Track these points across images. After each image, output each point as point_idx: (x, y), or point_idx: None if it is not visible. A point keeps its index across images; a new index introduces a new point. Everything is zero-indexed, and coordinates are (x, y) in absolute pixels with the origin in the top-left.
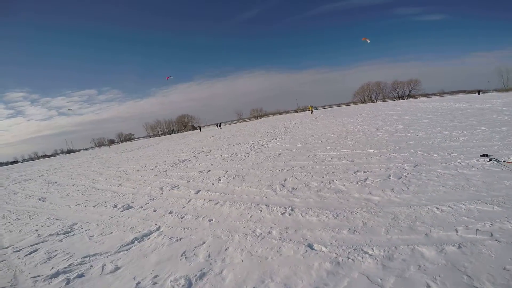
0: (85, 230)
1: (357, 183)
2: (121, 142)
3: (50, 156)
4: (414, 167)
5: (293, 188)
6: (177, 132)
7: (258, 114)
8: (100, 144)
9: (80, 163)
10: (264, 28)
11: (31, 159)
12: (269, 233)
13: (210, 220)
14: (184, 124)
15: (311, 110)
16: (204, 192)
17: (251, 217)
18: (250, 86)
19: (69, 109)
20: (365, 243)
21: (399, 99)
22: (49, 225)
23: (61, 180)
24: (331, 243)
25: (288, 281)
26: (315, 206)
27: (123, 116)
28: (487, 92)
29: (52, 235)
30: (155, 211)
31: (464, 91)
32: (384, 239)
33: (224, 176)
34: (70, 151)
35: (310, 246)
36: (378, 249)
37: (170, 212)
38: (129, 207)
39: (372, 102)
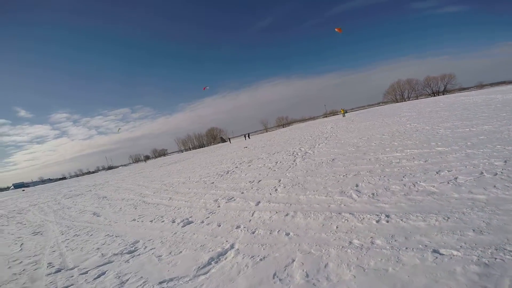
0: (151, 249)
1: (448, 183)
2: (156, 157)
3: (93, 172)
4: (505, 162)
5: (373, 194)
6: (207, 146)
7: (284, 122)
8: (136, 160)
9: (123, 178)
10: (280, 35)
11: (77, 175)
12: (372, 243)
13: (287, 234)
14: (213, 137)
15: (343, 113)
16: (265, 203)
17: (337, 227)
18: (272, 95)
19: (119, 129)
20: (504, 242)
21: (435, 95)
22: (110, 243)
23: (109, 195)
24: (461, 246)
25: None
26: (412, 210)
27: (155, 132)
28: None
29: (117, 254)
30: (219, 226)
31: (504, 82)
32: None
33: (280, 186)
34: (110, 167)
35: (436, 251)
36: None
37: (238, 227)
38: (189, 222)
39: (405, 100)
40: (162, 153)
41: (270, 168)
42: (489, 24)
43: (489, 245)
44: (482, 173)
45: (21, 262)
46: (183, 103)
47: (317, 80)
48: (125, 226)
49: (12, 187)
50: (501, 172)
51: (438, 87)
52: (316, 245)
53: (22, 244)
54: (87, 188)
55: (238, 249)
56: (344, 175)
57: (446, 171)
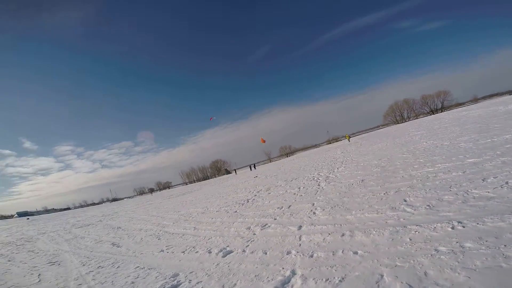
0: (197, 283)
1: (501, 187)
2: (161, 189)
3: (98, 204)
4: None
5: (428, 206)
6: (212, 178)
7: (288, 151)
8: (141, 192)
9: (133, 209)
10: (277, 63)
11: (82, 206)
12: (462, 246)
13: (355, 253)
14: (217, 169)
15: (348, 138)
16: (309, 226)
17: (411, 239)
18: (272, 125)
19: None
20: None
21: (434, 113)
22: (145, 276)
23: (124, 225)
24: None
25: None
26: (482, 214)
27: (158, 166)
28: None
29: None
30: (265, 253)
31: (497, 94)
32: None
33: (316, 209)
34: (115, 199)
35: None
36: None
37: (288, 253)
38: (228, 252)
39: (405, 120)
40: (166, 186)
41: (294, 194)
42: (473, 32)
43: None
44: None
45: None
46: (184, 136)
47: (314, 107)
48: (154, 257)
49: (16, 215)
50: None
51: (436, 105)
52: (399, 258)
53: (40, 274)
54: (95, 218)
55: (302, 274)
56: (384, 193)
57: (492, 178)
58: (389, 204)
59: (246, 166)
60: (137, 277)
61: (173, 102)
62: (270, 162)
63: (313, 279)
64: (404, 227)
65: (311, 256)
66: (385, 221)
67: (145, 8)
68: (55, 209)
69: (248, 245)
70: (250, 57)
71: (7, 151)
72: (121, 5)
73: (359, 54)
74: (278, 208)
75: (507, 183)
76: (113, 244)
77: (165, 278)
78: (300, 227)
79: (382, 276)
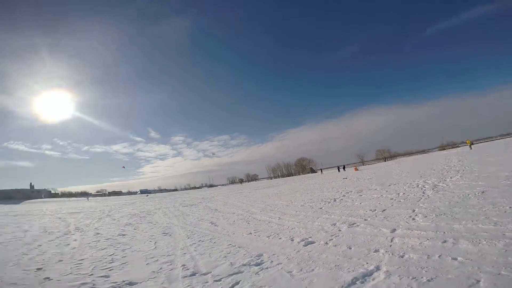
0: (278, 264)
1: None
2: (249, 181)
3: (198, 188)
4: None
5: None
6: (295, 175)
7: (386, 156)
8: (232, 181)
9: (227, 195)
10: (376, 59)
11: (186, 189)
12: None
13: (455, 259)
14: (302, 167)
15: (470, 144)
16: (404, 230)
17: None
18: (368, 125)
19: (213, 154)
20: None
21: None
22: (235, 253)
23: (220, 208)
24: None
25: None
26: None
27: (248, 159)
28: None
29: (245, 265)
30: (350, 248)
31: None
32: None
33: (417, 215)
34: (211, 185)
35: None
36: None
37: (376, 251)
38: (310, 242)
39: None
40: (253, 178)
41: (392, 199)
42: None
43: None
44: None
45: (157, 260)
46: (272, 133)
47: (425, 107)
48: (244, 238)
49: (139, 192)
50: None
51: None
52: (505, 268)
53: (156, 242)
54: (197, 200)
55: (387, 270)
56: (511, 207)
57: None
58: None
59: (333, 167)
60: (229, 253)
61: (266, 102)
62: (363, 165)
63: (398, 275)
64: None
65: (402, 256)
66: (503, 233)
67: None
68: (166, 189)
69: (331, 239)
70: (341, 52)
71: (139, 138)
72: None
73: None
74: (370, 210)
75: None
76: (211, 223)
77: (251, 256)
78: (394, 230)
79: (478, 281)
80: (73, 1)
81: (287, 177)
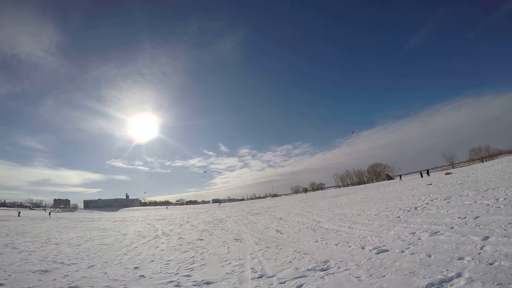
0: (345, 269)
1: None
2: (314, 190)
3: (262, 197)
4: None
5: None
6: (368, 183)
7: (483, 155)
8: (296, 191)
9: (291, 205)
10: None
11: (251, 198)
12: None
13: None
14: (376, 173)
15: None
16: (500, 238)
17: None
18: (455, 120)
19: (285, 160)
20: None
21: None
22: (300, 259)
23: (285, 217)
24: None
25: None
26: None
27: (313, 168)
28: None
29: (310, 270)
30: (429, 256)
31: None
32: None
33: None
34: (275, 195)
35: None
36: None
37: (461, 258)
38: (383, 250)
39: None
40: (319, 187)
41: (488, 205)
42: None
43: None
44: None
45: (230, 263)
46: (339, 139)
47: None
48: (310, 245)
49: (211, 201)
50: None
51: None
52: None
53: (229, 247)
54: (262, 209)
55: (469, 277)
56: None
57: None
58: None
59: (415, 172)
60: (294, 258)
61: (330, 104)
62: (453, 168)
63: (482, 282)
64: None
65: (490, 264)
66: None
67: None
68: (235, 199)
69: (408, 247)
70: (408, 42)
71: (211, 153)
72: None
73: None
74: (458, 218)
75: None
76: (277, 231)
77: (317, 262)
78: (486, 237)
79: None
80: (144, 31)
81: (358, 185)
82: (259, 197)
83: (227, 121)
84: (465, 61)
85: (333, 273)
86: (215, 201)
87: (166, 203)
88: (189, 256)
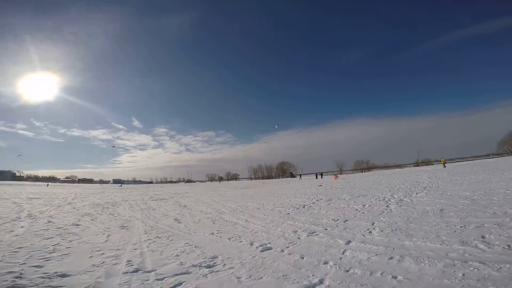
0: (230, 268)
1: None
2: (228, 180)
3: (175, 182)
4: None
5: (508, 246)
6: (276, 178)
7: (364, 167)
8: (212, 179)
9: (201, 192)
10: (366, 69)
11: (161, 182)
12: None
13: (395, 277)
14: (283, 170)
15: (444, 163)
16: (358, 243)
17: (464, 275)
18: (351, 136)
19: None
20: None
21: None
22: (189, 252)
23: (189, 205)
24: None
25: None
26: None
27: (231, 158)
28: None
29: (195, 266)
30: (302, 258)
31: None
32: None
33: (374, 228)
34: (189, 181)
35: None
36: None
37: (326, 263)
38: (268, 248)
39: None
40: (234, 177)
41: (357, 210)
42: None
43: None
44: None
45: (103, 253)
46: (259, 134)
47: (407, 121)
48: (204, 238)
49: (112, 181)
50: None
51: None
52: None
53: (109, 235)
54: (169, 194)
55: (329, 285)
56: (461, 226)
57: None
58: (461, 238)
59: (313, 173)
60: (183, 252)
61: (255, 103)
62: (341, 174)
63: None
64: (465, 262)
65: (347, 271)
66: (446, 253)
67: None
68: (141, 181)
69: (288, 247)
70: (335, 63)
71: (120, 126)
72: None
73: (468, 63)
74: (333, 220)
75: None
76: (175, 219)
77: (205, 258)
78: (349, 242)
79: None
80: None
81: (267, 179)
82: (171, 182)
83: (148, 93)
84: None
85: (217, 271)
86: (116, 181)
87: (50, 179)
88: (52, 243)
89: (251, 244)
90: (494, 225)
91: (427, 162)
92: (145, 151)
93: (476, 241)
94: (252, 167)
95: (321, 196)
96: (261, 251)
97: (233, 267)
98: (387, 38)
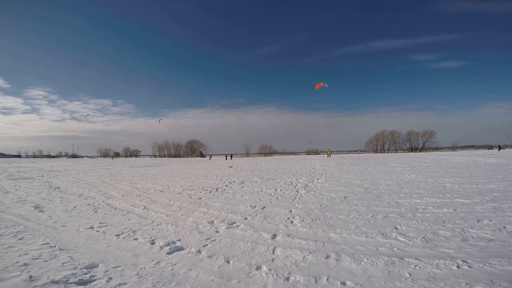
0: (119, 285)
1: (500, 231)
2: (127, 156)
3: (54, 157)
4: None
5: (424, 238)
6: (184, 157)
7: (267, 151)
8: (105, 154)
9: (87, 170)
10: (280, 64)
11: (35, 156)
12: None
13: (343, 283)
14: (192, 149)
15: (329, 153)
16: (285, 237)
17: (410, 275)
18: (260, 122)
19: (87, 115)
20: None
21: (413, 151)
22: (49, 259)
23: (65, 186)
24: None
25: None
26: (486, 256)
27: (132, 131)
28: (504, 148)
29: (57, 283)
30: (228, 262)
31: (474, 147)
32: None
33: (294, 218)
34: (74, 156)
35: None
36: None
37: (258, 268)
38: (178, 248)
39: (384, 152)
40: (134, 154)
41: (271, 195)
42: (480, 83)
43: None
44: None
45: None
46: (167, 109)
47: (308, 116)
48: (77, 234)
49: None
50: None
51: (417, 143)
52: None
53: None
54: (40, 172)
55: None
56: (371, 216)
57: (487, 220)
58: (378, 229)
59: (223, 154)
60: (37, 258)
61: (164, 74)
62: (248, 156)
63: None
64: (401, 258)
65: (287, 279)
66: (377, 248)
67: None
68: (4, 154)
69: (206, 245)
70: (258, 51)
71: None
72: None
73: (365, 76)
74: (250, 206)
75: (504, 227)
76: (36, 207)
77: (76, 268)
78: (274, 235)
79: None
80: None
81: (174, 158)
82: (49, 156)
83: (20, 43)
84: (279, 78)
85: None
86: None
87: None
88: None
89: (153, 243)
90: (397, 215)
91: (316, 152)
92: (11, 116)
93: (394, 233)
94: (158, 143)
95: (234, 178)
96: (168, 253)
97: (125, 283)
98: (303, 43)
